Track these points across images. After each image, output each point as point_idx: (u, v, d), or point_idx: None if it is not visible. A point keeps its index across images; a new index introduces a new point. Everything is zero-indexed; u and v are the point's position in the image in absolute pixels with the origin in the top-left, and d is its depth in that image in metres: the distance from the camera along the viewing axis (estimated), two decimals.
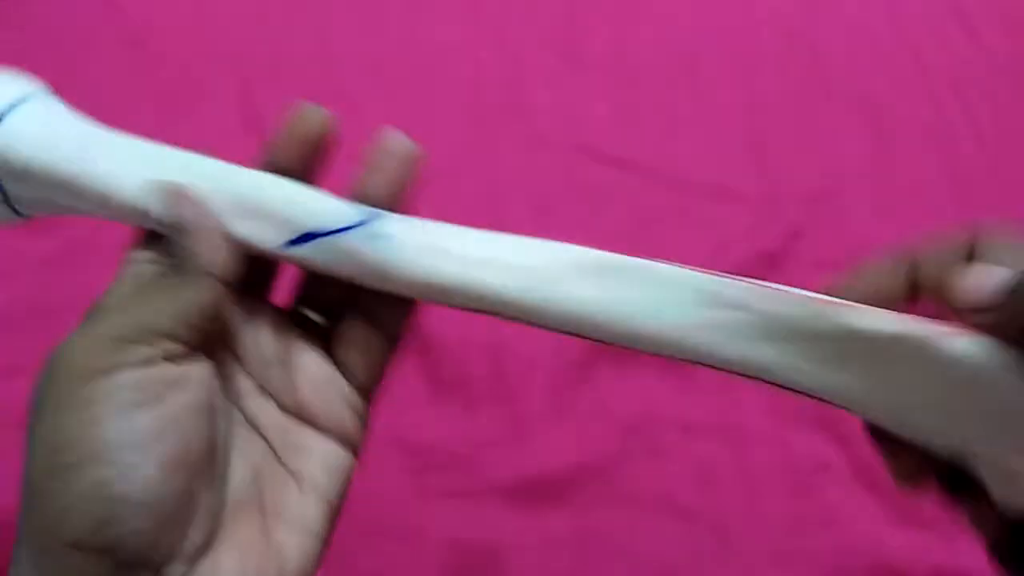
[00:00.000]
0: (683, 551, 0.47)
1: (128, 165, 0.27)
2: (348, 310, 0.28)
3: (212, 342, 0.24)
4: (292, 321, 0.28)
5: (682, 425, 0.50)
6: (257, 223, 0.26)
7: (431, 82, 0.63)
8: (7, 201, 0.29)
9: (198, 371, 0.24)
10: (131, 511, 0.21)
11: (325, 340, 0.28)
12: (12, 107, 0.29)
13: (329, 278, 0.27)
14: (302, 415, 0.26)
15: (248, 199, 0.27)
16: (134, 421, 0.21)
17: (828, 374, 0.23)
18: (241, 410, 0.26)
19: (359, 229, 0.27)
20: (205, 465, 0.23)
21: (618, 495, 0.48)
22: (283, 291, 0.29)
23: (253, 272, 0.27)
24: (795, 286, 0.61)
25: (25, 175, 0.28)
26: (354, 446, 0.27)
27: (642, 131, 0.62)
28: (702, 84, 0.64)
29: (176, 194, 0.25)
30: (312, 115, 0.29)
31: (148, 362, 0.22)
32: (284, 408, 0.26)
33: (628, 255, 0.26)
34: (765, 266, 0.56)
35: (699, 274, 0.26)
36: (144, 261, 0.26)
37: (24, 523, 0.21)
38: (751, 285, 0.24)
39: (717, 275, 0.25)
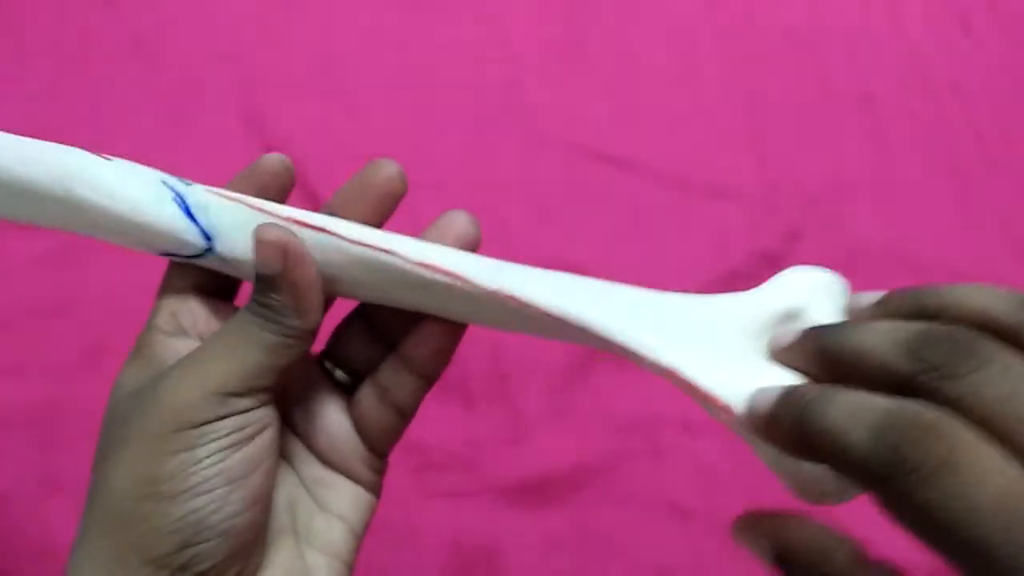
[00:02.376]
0: (683, 551, 0.47)
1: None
2: (368, 374, 0.29)
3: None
4: (319, 369, 0.30)
5: (682, 425, 0.50)
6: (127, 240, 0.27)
7: (431, 82, 0.63)
8: None
9: (273, 412, 0.26)
10: (212, 538, 0.23)
11: (347, 392, 0.30)
12: None
13: (350, 338, 0.29)
14: (322, 459, 0.29)
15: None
16: (229, 461, 0.24)
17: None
18: (284, 447, 0.28)
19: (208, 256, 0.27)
20: (271, 498, 0.26)
21: (618, 495, 0.48)
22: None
23: None
24: None
25: None
26: (373, 490, 0.29)
27: (642, 131, 0.62)
28: (702, 84, 0.64)
29: (285, 250, 0.25)
30: (384, 168, 0.30)
31: (247, 411, 0.24)
32: (309, 449, 0.29)
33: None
34: (765, 266, 0.56)
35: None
36: (246, 313, 0.26)
37: (95, 538, 0.24)
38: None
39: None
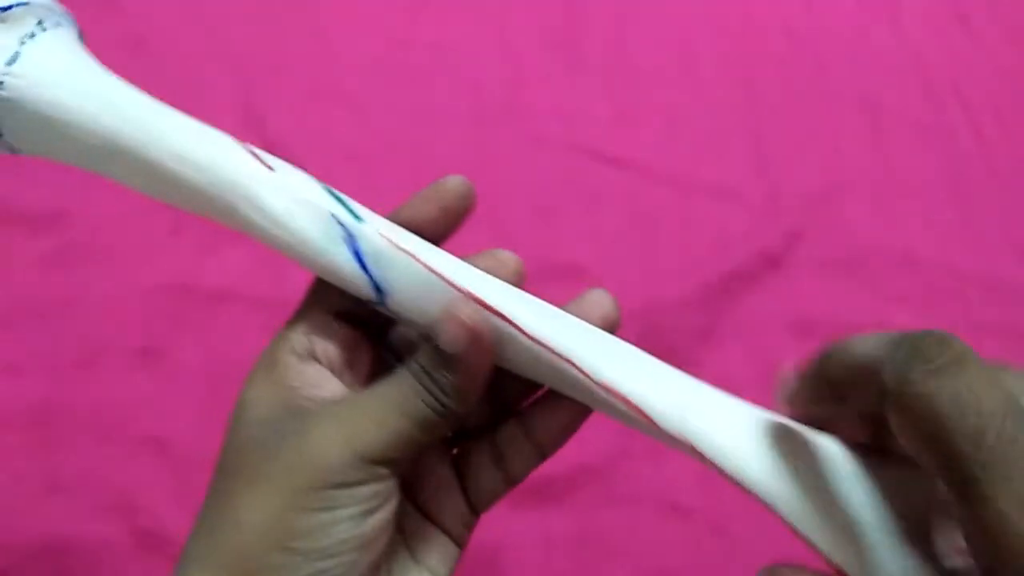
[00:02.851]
0: (683, 551, 0.47)
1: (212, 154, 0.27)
2: (475, 432, 0.29)
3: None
4: None
5: None
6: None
7: (431, 82, 0.63)
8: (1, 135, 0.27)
9: (396, 483, 0.25)
10: None
11: (450, 447, 0.30)
12: (30, 36, 0.26)
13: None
14: (421, 510, 0.28)
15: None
16: (363, 527, 0.24)
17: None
18: None
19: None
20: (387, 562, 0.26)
21: (618, 495, 0.48)
22: None
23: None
24: (795, 286, 0.61)
25: (39, 119, 0.26)
26: (460, 544, 0.29)
27: (642, 131, 0.62)
28: (702, 84, 0.64)
29: (474, 335, 0.25)
30: (454, 185, 0.30)
31: (386, 479, 0.24)
32: (408, 499, 0.28)
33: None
34: (765, 266, 0.56)
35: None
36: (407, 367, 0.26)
37: (217, 571, 0.23)
38: None
39: None
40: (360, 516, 0.24)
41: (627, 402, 0.25)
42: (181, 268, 0.52)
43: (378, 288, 0.26)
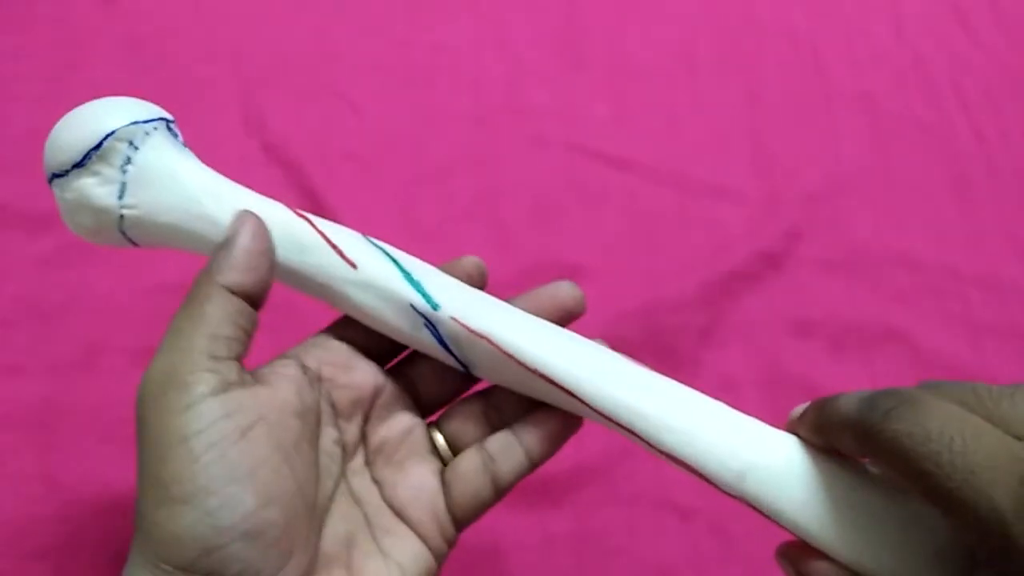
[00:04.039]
0: (683, 551, 0.47)
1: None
2: (473, 446, 0.31)
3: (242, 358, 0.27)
4: (424, 432, 0.31)
5: None
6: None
7: (431, 82, 0.63)
8: (125, 235, 0.30)
9: (275, 404, 0.26)
10: (234, 539, 0.23)
11: (443, 460, 0.31)
12: (127, 162, 0.29)
13: (465, 414, 0.31)
14: (397, 511, 0.29)
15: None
16: (228, 456, 0.24)
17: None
18: (348, 482, 0.29)
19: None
20: (301, 507, 0.26)
21: (618, 495, 0.48)
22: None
23: (405, 378, 0.31)
24: (795, 286, 0.61)
25: (153, 227, 0.29)
26: (437, 557, 0.30)
27: (642, 131, 0.62)
28: (702, 84, 0.64)
29: (243, 218, 0.28)
30: (569, 292, 0.32)
31: (219, 392, 0.24)
32: (384, 499, 0.29)
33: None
34: (765, 266, 0.56)
35: None
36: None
37: (135, 547, 0.24)
38: None
39: None
40: (221, 443, 0.24)
41: (688, 468, 0.27)
42: (181, 268, 0.52)
43: (463, 364, 0.30)
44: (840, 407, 0.24)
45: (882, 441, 0.22)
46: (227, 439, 0.24)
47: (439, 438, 0.31)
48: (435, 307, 0.29)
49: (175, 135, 0.31)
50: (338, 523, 0.28)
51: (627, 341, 0.53)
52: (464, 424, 0.31)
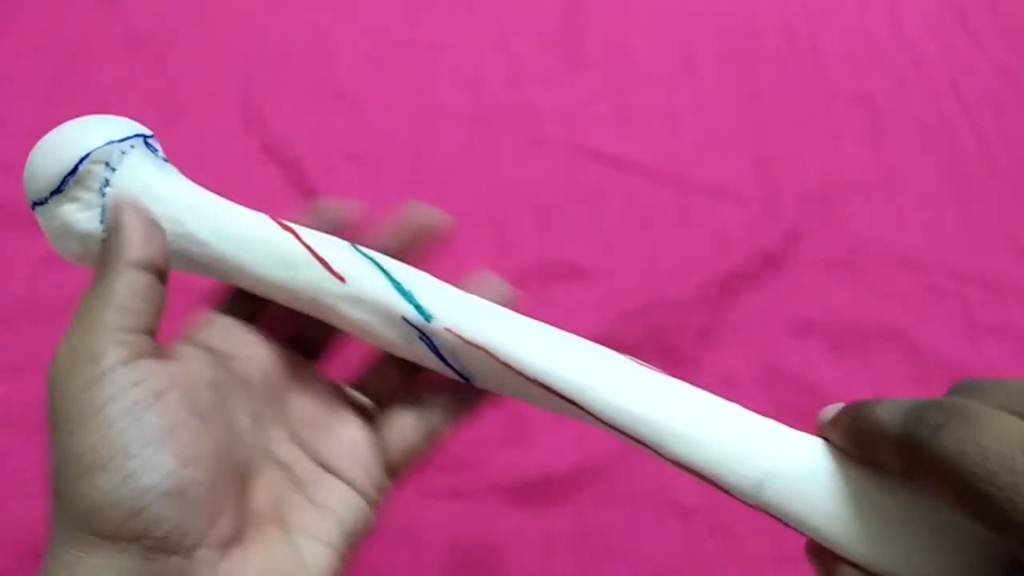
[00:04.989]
0: (683, 551, 0.47)
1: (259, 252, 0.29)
2: (400, 400, 0.30)
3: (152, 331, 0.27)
4: (344, 395, 0.31)
5: None
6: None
7: (431, 82, 0.63)
8: None
9: (186, 372, 0.26)
10: (157, 499, 0.23)
11: (371, 418, 0.31)
12: (105, 184, 0.28)
13: (389, 369, 0.31)
14: (325, 465, 0.29)
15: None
16: (143, 420, 0.24)
17: None
18: (271, 451, 0.28)
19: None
20: (225, 467, 0.25)
21: (618, 495, 0.48)
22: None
23: (307, 344, 0.31)
24: (795, 286, 0.61)
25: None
26: (371, 506, 0.29)
27: (642, 131, 0.62)
28: (702, 84, 0.64)
29: (119, 203, 0.27)
30: (425, 215, 0.31)
31: (128, 361, 0.24)
32: (312, 459, 0.29)
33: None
34: (765, 266, 0.56)
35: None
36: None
37: (56, 527, 0.23)
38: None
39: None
40: (134, 409, 0.24)
41: (703, 477, 0.26)
42: None
43: (463, 376, 0.29)
44: (880, 419, 0.22)
45: (932, 461, 0.20)
46: (140, 404, 0.24)
47: (360, 396, 0.31)
48: (428, 318, 0.28)
49: (154, 150, 0.30)
50: (266, 487, 0.27)
51: (627, 341, 0.53)
52: (385, 378, 0.31)
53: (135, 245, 0.26)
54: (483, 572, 0.46)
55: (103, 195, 0.28)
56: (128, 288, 0.26)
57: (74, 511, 0.23)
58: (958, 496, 0.20)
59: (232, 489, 0.26)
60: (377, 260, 0.29)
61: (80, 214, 0.28)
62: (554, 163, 0.60)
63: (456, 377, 0.29)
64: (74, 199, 0.28)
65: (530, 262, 0.55)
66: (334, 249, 0.29)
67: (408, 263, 0.30)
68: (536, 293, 0.56)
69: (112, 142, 0.28)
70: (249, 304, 0.30)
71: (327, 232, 0.30)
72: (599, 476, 0.49)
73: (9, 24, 0.64)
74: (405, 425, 0.30)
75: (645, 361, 0.30)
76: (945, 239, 0.58)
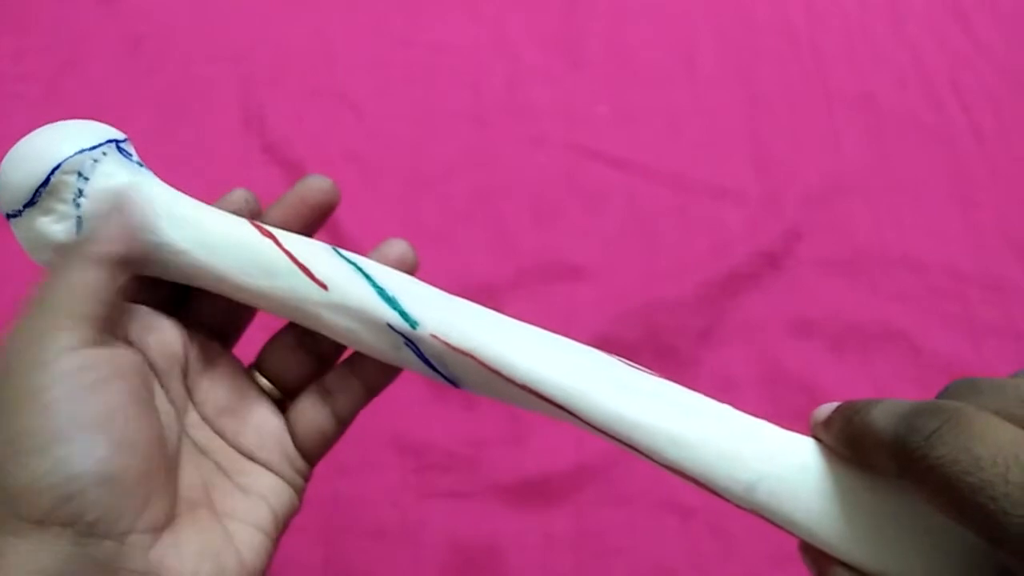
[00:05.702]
0: (683, 551, 0.47)
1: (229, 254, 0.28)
2: (306, 386, 0.31)
3: (116, 328, 0.26)
4: (252, 378, 0.31)
5: None
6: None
7: (431, 82, 0.63)
8: None
9: (130, 362, 0.26)
10: (89, 485, 0.23)
11: (280, 402, 0.31)
12: (79, 194, 0.28)
13: (281, 351, 0.31)
14: (246, 455, 0.29)
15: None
16: (85, 404, 0.24)
17: None
18: (190, 438, 0.28)
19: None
20: (156, 453, 0.25)
21: (618, 495, 0.48)
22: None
23: (218, 326, 0.30)
24: (795, 286, 0.61)
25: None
26: (294, 489, 0.30)
27: (642, 131, 0.62)
28: (702, 84, 0.64)
29: (115, 202, 0.27)
30: (319, 184, 0.30)
31: (76, 348, 0.24)
32: (231, 445, 0.29)
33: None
34: (765, 266, 0.56)
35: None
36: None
37: None
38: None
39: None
40: (77, 393, 0.23)
41: (695, 481, 0.26)
42: None
43: (452, 381, 0.28)
44: (874, 423, 0.22)
45: (925, 469, 0.20)
46: (83, 389, 0.24)
47: (263, 380, 0.31)
48: (414, 325, 0.27)
49: (128, 155, 0.29)
50: (190, 474, 0.27)
51: (627, 341, 0.53)
52: (285, 359, 0.31)
53: (99, 242, 0.26)
54: (483, 572, 0.46)
55: (78, 206, 0.27)
56: (83, 279, 0.25)
57: (6, 493, 0.23)
58: (950, 504, 0.20)
59: (163, 475, 0.26)
60: (359, 264, 0.29)
61: (55, 226, 0.28)
62: (554, 163, 0.60)
63: (445, 382, 0.29)
64: (48, 211, 0.27)
65: (530, 262, 0.55)
66: (315, 255, 0.28)
67: (311, 237, 0.30)
68: (536, 293, 0.56)
69: (83, 151, 0.28)
70: (160, 290, 0.30)
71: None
72: (598, 476, 0.49)
73: (9, 24, 0.64)
74: (313, 413, 0.30)
75: (644, 362, 0.30)
76: (945, 239, 0.58)
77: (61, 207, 0.27)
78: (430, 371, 0.28)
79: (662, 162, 0.60)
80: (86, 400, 0.24)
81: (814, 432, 0.26)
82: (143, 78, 0.62)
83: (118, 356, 0.25)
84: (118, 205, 0.27)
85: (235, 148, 0.58)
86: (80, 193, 0.27)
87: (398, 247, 0.30)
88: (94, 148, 0.28)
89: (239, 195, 0.29)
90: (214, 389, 0.29)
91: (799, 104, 0.64)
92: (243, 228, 0.28)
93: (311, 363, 0.31)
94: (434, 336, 0.27)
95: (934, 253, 0.58)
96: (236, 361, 0.31)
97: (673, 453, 0.26)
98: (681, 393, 0.28)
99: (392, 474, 0.49)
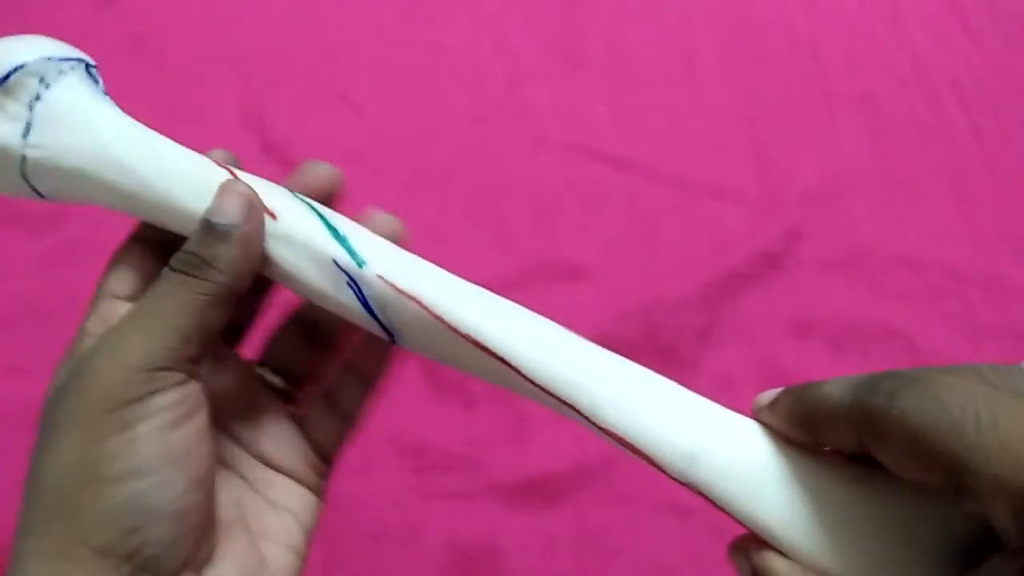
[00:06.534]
0: (682, 551, 0.47)
1: (186, 180, 0.27)
2: (305, 378, 0.30)
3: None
4: (260, 379, 0.30)
5: None
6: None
7: (431, 82, 0.63)
8: (28, 181, 0.28)
9: (201, 395, 0.25)
10: (158, 521, 0.23)
11: (287, 399, 0.30)
12: (36, 99, 0.27)
13: (286, 344, 0.30)
14: (266, 462, 0.29)
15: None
16: (169, 442, 0.23)
17: None
18: (217, 451, 0.28)
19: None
20: (213, 486, 0.25)
21: (618, 495, 0.48)
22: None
23: (227, 329, 0.29)
24: (795, 286, 0.61)
25: (58, 172, 0.27)
26: (318, 493, 0.29)
27: (642, 131, 0.62)
28: (702, 84, 0.64)
29: (251, 205, 0.25)
30: (323, 171, 0.29)
31: (179, 385, 0.24)
32: (253, 455, 0.29)
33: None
34: (765, 266, 0.56)
35: None
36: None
37: (39, 531, 0.23)
38: None
39: None
40: (162, 430, 0.23)
41: (632, 448, 0.25)
42: None
43: (389, 332, 0.27)
44: (829, 395, 0.22)
45: (890, 424, 0.20)
46: (167, 426, 0.23)
47: (275, 379, 0.30)
48: (360, 264, 0.26)
49: (95, 81, 0.29)
50: (225, 490, 0.27)
51: (627, 341, 0.53)
52: (291, 356, 0.30)
53: (227, 273, 0.24)
54: (483, 572, 0.46)
55: (31, 109, 0.26)
56: (194, 317, 0.24)
57: (74, 519, 0.22)
58: (916, 455, 0.19)
59: (212, 498, 0.25)
60: (314, 206, 0.27)
61: (2, 125, 0.26)
62: (554, 163, 0.60)
63: (380, 332, 0.27)
64: None
65: (530, 262, 0.55)
66: (270, 190, 0.27)
67: None
68: (536, 293, 0.56)
69: (52, 59, 0.27)
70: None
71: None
72: (598, 476, 0.49)
73: (9, 24, 0.64)
74: (323, 417, 0.29)
75: (645, 362, 0.30)
76: (945, 239, 0.58)
77: (13, 107, 0.26)
78: (368, 317, 0.26)
79: (662, 162, 0.60)
80: (170, 437, 0.23)
81: (758, 416, 0.26)
82: (143, 78, 0.61)
83: (197, 391, 0.25)
84: (257, 221, 0.25)
85: (235, 148, 0.58)
86: (38, 97, 0.27)
87: (384, 219, 0.29)
88: (62, 60, 0.27)
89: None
90: (227, 393, 0.28)
91: (799, 104, 0.64)
92: (196, 156, 0.28)
93: (316, 353, 0.30)
94: (380, 277, 0.26)
95: (934, 253, 0.58)
96: (244, 361, 0.30)
97: (612, 415, 0.25)
98: (626, 363, 0.27)
99: (392, 474, 0.49)
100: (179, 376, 0.24)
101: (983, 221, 0.59)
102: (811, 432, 0.24)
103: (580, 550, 0.47)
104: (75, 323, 0.55)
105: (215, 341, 0.25)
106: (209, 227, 0.25)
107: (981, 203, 0.60)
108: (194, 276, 0.24)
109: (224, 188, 0.26)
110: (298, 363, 0.30)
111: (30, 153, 0.27)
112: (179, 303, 0.24)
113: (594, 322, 0.53)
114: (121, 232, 0.29)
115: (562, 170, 0.60)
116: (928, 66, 0.66)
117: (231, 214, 0.25)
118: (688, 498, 0.51)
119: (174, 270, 0.25)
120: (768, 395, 0.25)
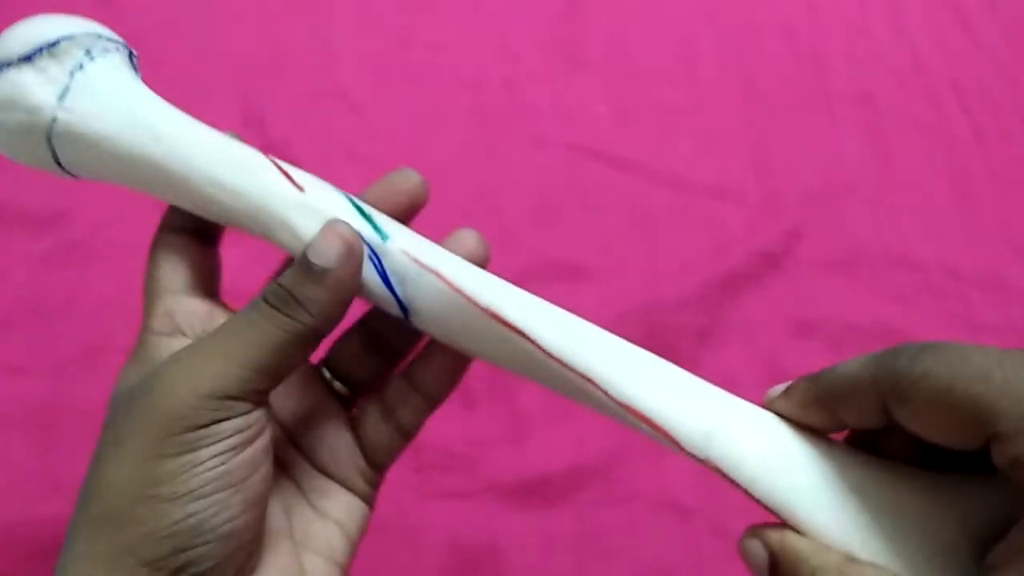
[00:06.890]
0: (682, 551, 0.47)
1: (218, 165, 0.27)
2: (366, 386, 0.30)
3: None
4: (322, 380, 0.30)
5: None
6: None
7: (431, 82, 0.63)
8: (52, 147, 0.28)
9: (264, 415, 0.25)
10: (210, 541, 0.23)
11: (346, 405, 0.30)
12: (79, 67, 0.27)
13: (350, 351, 0.30)
14: (320, 469, 0.29)
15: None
16: (230, 464, 0.23)
17: None
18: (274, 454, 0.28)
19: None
20: (268, 499, 0.25)
21: (617, 495, 0.48)
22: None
23: None
24: (795, 286, 0.61)
25: (91, 148, 0.27)
26: (367, 501, 0.29)
27: (642, 131, 0.62)
28: (702, 84, 0.64)
29: (351, 249, 0.25)
30: (408, 178, 0.30)
31: (246, 413, 0.24)
32: (308, 461, 0.29)
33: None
34: (765, 266, 0.56)
35: None
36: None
37: (91, 537, 0.23)
38: None
39: None
40: (224, 454, 0.23)
41: (650, 423, 0.25)
42: None
43: (403, 308, 0.27)
44: (847, 369, 0.23)
45: (916, 382, 0.20)
46: (231, 451, 0.23)
47: (337, 384, 0.30)
48: (384, 238, 0.27)
49: (135, 69, 0.29)
50: (275, 496, 0.27)
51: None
52: (354, 363, 0.30)
53: (316, 316, 0.24)
54: (482, 572, 0.46)
55: (72, 76, 0.27)
56: (280, 348, 0.24)
57: (127, 533, 0.22)
58: (946, 411, 0.20)
59: (264, 516, 0.25)
60: (342, 191, 0.28)
61: (39, 85, 0.26)
62: (554, 163, 0.60)
63: (394, 309, 0.27)
64: (40, 70, 0.27)
65: (530, 262, 0.55)
66: (299, 171, 0.28)
67: None
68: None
69: (101, 37, 0.28)
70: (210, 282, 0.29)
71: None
72: (598, 476, 0.49)
73: (9, 23, 0.64)
74: (377, 429, 0.29)
75: None
76: (945, 239, 0.58)
77: (56, 71, 0.27)
78: (386, 291, 0.27)
79: (662, 162, 0.60)
80: (231, 461, 0.23)
81: (772, 407, 0.26)
82: (143, 78, 0.61)
83: (261, 417, 0.25)
84: (355, 265, 0.25)
85: None
86: (80, 67, 0.27)
87: (469, 239, 0.29)
88: (111, 41, 0.28)
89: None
90: (289, 396, 0.29)
91: (799, 104, 0.64)
92: (228, 136, 0.28)
93: (378, 364, 0.30)
94: (403, 251, 0.27)
95: (934, 253, 0.58)
96: (311, 366, 0.30)
97: (630, 391, 0.25)
98: (640, 349, 0.27)
99: (392, 474, 0.49)
100: (247, 406, 0.24)
101: (983, 221, 0.59)
102: (831, 409, 0.24)
103: (580, 550, 0.47)
104: (75, 323, 0.55)
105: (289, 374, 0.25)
106: (307, 265, 0.25)
107: (981, 203, 0.60)
108: (284, 313, 0.24)
109: (328, 228, 0.26)
110: (360, 371, 0.30)
111: (61, 115, 0.27)
112: (263, 337, 0.24)
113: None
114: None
115: (562, 170, 0.60)
116: (928, 66, 0.66)
117: (329, 257, 0.25)
118: (688, 498, 0.52)
119: (266, 302, 0.24)
120: (778, 387, 0.26)
